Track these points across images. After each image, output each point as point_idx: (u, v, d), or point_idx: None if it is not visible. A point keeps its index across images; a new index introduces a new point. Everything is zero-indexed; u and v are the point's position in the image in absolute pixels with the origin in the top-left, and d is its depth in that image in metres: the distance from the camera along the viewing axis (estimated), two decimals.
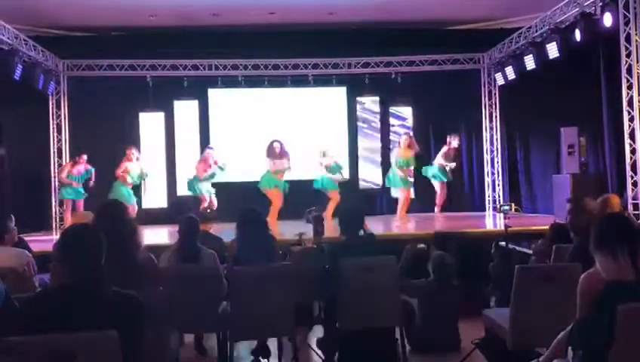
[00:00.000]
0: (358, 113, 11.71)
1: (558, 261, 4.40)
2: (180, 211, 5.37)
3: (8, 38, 8.65)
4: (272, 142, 9.90)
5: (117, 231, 2.95)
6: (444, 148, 10.52)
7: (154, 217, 10.40)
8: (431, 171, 10.53)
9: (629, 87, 7.35)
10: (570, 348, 2.47)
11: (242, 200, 9.53)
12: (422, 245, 4.74)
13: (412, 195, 10.44)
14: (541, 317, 3.58)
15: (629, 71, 7.30)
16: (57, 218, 10.90)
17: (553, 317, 3.35)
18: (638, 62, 7.14)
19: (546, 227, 5.53)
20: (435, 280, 4.51)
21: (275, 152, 9.82)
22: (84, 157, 10.11)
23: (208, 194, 9.99)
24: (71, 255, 2.43)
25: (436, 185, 10.53)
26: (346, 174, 10.69)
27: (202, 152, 10.32)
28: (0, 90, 9.57)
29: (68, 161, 10.56)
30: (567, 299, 2.98)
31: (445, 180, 10.48)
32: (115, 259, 2.56)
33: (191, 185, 10.06)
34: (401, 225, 9.51)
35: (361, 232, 4.60)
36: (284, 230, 8.19)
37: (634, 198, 7.27)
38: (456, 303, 4.55)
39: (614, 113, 8.21)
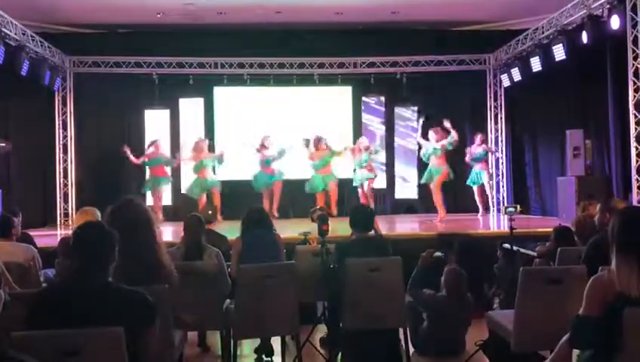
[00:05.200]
0: (362, 112, 11.70)
1: (562, 263, 4.40)
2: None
3: (15, 34, 8.68)
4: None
5: (131, 230, 2.95)
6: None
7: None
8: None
9: (636, 90, 7.33)
10: (575, 353, 2.45)
11: (247, 199, 9.58)
12: (438, 253, 4.53)
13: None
14: (545, 319, 3.57)
15: (636, 74, 7.29)
16: (62, 213, 10.94)
17: (557, 320, 3.34)
18: None
19: (551, 229, 5.52)
20: (446, 296, 4.33)
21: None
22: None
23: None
24: (82, 252, 2.44)
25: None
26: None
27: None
28: (7, 85, 9.60)
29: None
30: (572, 302, 2.97)
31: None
32: (128, 257, 2.57)
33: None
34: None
35: (372, 232, 4.59)
36: (289, 229, 8.19)
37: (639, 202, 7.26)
38: (468, 318, 4.39)
39: (621, 116, 8.17)
